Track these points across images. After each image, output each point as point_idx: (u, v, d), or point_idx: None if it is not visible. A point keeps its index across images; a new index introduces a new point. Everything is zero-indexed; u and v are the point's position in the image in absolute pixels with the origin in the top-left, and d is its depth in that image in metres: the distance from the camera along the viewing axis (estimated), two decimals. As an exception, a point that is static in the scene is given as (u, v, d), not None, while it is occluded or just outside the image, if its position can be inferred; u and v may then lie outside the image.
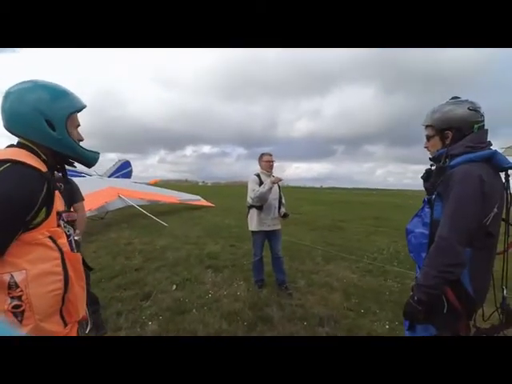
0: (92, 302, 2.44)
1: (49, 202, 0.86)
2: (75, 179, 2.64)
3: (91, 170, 10.50)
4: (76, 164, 1.05)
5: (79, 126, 1.01)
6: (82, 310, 1.01)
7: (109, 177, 13.40)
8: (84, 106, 0.99)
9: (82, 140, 1.01)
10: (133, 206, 8.53)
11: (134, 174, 16.48)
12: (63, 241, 0.91)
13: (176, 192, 12.88)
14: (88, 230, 6.50)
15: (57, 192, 0.93)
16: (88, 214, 5.84)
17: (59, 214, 0.93)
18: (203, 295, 3.33)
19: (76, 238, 1.06)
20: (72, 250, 0.97)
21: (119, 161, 15.48)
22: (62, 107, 0.91)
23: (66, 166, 1.08)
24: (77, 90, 1.01)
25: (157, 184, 24.09)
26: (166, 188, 14.03)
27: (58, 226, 0.92)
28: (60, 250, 0.88)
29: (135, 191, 9.82)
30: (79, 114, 1.02)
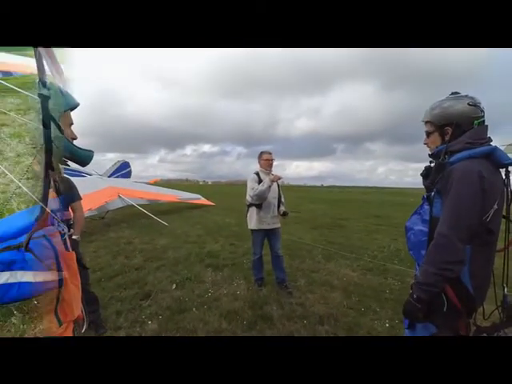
0: (91, 301, 2.43)
1: (42, 201, 0.85)
2: (75, 179, 2.62)
3: (91, 170, 10.51)
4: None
5: (72, 124, 0.99)
6: (78, 310, 1.00)
7: (108, 177, 13.42)
8: (77, 104, 0.98)
9: (75, 138, 0.99)
10: (133, 205, 8.54)
11: (134, 173, 16.50)
12: (57, 239, 0.90)
13: (176, 191, 12.88)
14: (88, 230, 6.50)
15: (51, 190, 0.91)
16: (88, 213, 5.85)
17: (53, 212, 0.92)
18: (203, 294, 3.32)
19: (74, 237, 1.05)
20: (66, 248, 0.96)
21: (118, 161, 15.50)
22: (55, 105, 0.89)
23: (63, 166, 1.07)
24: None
25: (157, 183, 24.11)
26: (166, 187, 14.03)
27: (52, 224, 0.91)
28: (54, 248, 0.87)
29: (135, 190, 9.82)
30: (75, 114, 1.00)
